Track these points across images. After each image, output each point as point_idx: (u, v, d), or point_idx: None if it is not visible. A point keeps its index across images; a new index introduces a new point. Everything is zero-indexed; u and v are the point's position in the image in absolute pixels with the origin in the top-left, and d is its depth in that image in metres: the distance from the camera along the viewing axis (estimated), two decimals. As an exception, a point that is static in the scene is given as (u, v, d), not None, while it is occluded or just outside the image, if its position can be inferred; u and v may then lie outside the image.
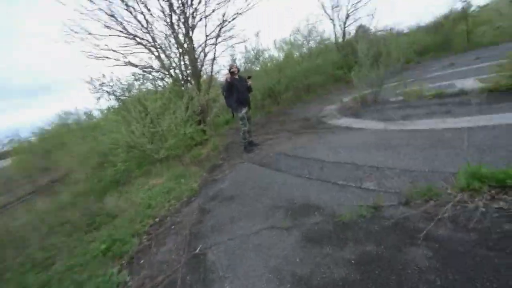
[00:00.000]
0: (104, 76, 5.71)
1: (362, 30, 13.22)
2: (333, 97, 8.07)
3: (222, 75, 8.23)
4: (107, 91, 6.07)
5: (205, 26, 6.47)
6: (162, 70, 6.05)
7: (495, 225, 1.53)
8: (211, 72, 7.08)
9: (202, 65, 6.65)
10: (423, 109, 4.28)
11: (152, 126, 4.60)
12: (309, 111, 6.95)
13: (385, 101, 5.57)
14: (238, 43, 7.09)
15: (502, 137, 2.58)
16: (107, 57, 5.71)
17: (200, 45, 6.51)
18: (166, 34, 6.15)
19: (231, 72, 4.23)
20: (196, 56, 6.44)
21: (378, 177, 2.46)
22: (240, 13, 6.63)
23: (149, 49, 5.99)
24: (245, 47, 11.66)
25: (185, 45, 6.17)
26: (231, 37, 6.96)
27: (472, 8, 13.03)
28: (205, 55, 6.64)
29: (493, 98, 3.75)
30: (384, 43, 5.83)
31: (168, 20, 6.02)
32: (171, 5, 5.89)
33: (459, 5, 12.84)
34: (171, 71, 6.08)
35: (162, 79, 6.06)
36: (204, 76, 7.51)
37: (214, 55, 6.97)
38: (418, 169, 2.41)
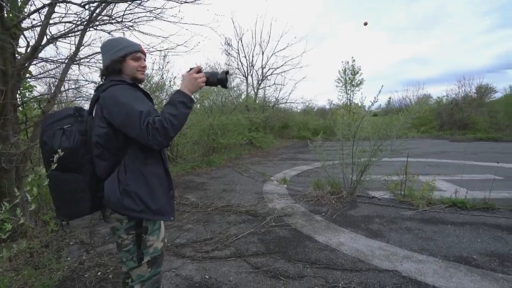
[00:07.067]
0: None
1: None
2: (251, 166, 6.50)
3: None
4: None
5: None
6: None
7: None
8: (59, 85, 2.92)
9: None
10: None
11: None
12: (240, 189, 4.33)
13: (366, 195, 3.79)
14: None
15: None
16: None
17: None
18: None
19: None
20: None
21: None
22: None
23: None
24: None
25: None
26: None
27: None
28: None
29: None
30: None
31: None
32: None
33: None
34: None
35: None
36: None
37: (78, 47, 2.85)
38: None
